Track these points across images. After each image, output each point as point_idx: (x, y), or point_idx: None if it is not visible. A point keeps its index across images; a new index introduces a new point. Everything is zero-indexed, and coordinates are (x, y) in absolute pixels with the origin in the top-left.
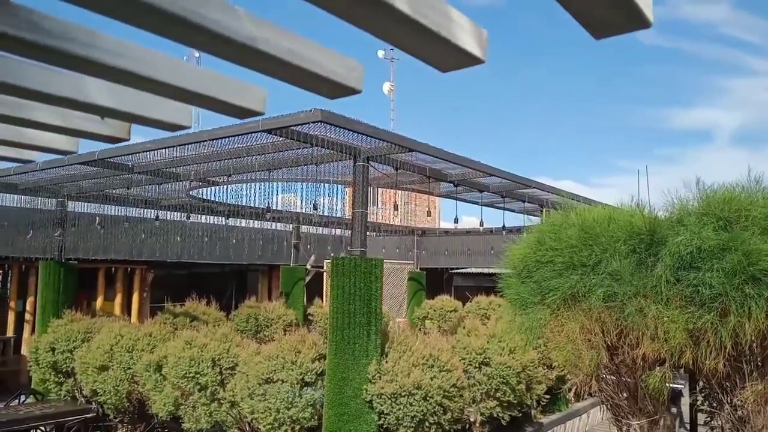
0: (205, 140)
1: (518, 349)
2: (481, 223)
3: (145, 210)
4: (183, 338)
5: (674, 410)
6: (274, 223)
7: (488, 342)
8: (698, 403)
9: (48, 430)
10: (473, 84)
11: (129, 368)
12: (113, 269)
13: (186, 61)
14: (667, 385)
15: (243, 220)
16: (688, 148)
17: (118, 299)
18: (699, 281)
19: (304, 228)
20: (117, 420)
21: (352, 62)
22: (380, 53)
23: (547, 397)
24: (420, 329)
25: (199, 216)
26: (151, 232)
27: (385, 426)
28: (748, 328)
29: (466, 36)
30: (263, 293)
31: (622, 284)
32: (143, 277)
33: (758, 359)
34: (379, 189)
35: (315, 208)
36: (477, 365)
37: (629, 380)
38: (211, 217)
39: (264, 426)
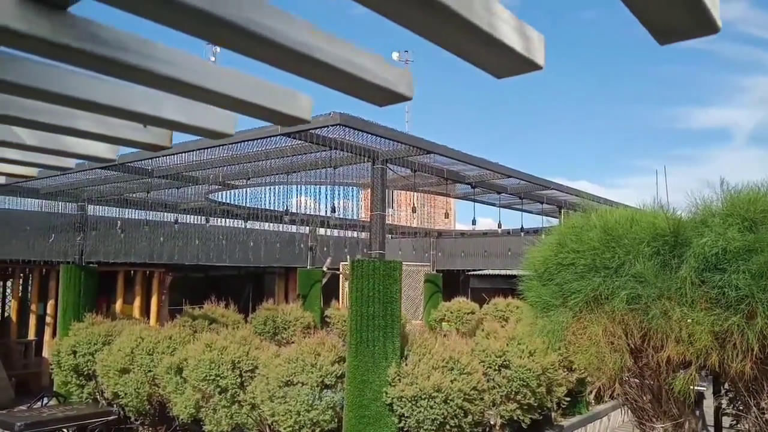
0: (225, 144)
1: (539, 352)
2: (499, 225)
3: (164, 213)
4: (203, 341)
5: (696, 412)
6: (290, 226)
7: (507, 344)
8: (723, 406)
9: None
10: (487, 85)
11: (150, 371)
12: (132, 272)
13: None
14: (692, 388)
15: (260, 223)
16: (705, 148)
17: (137, 302)
18: (725, 283)
19: (320, 230)
20: (138, 422)
21: (401, 69)
22: (395, 55)
23: (568, 399)
24: (438, 331)
25: (217, 219)
26: (170, 235)
27: (405, 429)
28: None
29: (524, 41)
30: (280, 295)
31: (646, 286)
32: (162, 279)
33: None
34: (394, 191)
35: (333, 211)
36: (496, 368)
37: (653, 383)
38: (229, 220)
39: (284, 428)
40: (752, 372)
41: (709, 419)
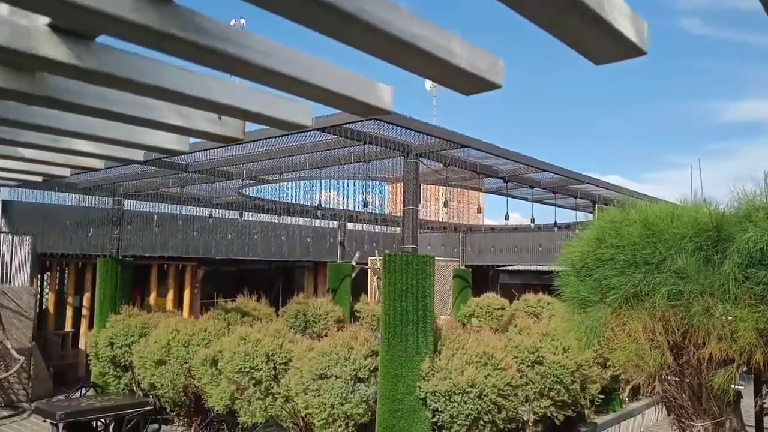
0: (260, 139)
1: (574, 348)
2: (533, 220)
3: (197, 208)
4: (237, 334)
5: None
6: (319, 221)
7: (541, 341)
8: (766, 404)
9: (107, 422)
10: (518, 79)
11: (185, 362)
12: (165, 266)
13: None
14: (732, 386)
15: (290, 218)
16: (738, 141)
17: (170, 295)
18: None
19: (348, 225)
20: (174, 413)
21: (494, 57)
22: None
23: (602, 397)
24: (469, 327)
25: (249, 213)
26: (204, 229)
27: (438, 423)
28: None
29: (628, 24)
30: (309, 289)
31: (688, 282)
32: (194, 273)
33: None
34: (423, 185)
35: (365, 205)
36: (530, 364)
37: (693, 381)
38: (261, 215)
39: (318, 421)
40: None
41: (747, 419)
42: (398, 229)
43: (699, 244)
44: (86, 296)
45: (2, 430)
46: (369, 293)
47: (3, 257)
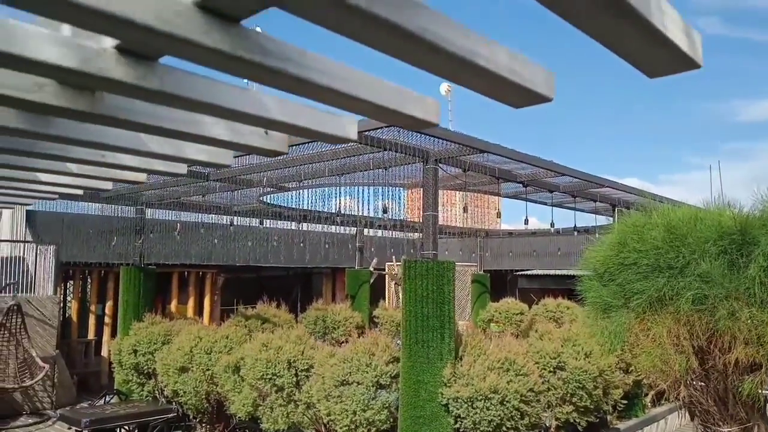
0: (293, 144)
1: (596, 354)
2: (552, 224)
3: (217, 216)
4: (259, 340)
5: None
6: (336, 227)
7: (562, 346)
8: None
9: (131, 429)
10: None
11: (208, 369)
12: (186, 273)
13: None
14: (760, 391)
15: (308, 224)
16: (757, 141)
17: (191, 302)
18: None
19: (366, 231)
20: (196, 420)
21: (546, 70)
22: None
23: (624, 402)
24: (489, 332)
25: (268, 221)
26: (224, 237)
27: (461, 430)
28: None
29: (683, 36)
30: (327, 295)
31: (713, 287)
32: (214, 280)
33: None
34: (441, 190)
35: (384, 212)
36: (551, 369)
37: (719, 386)
38: (281, 222)
39: (341, 428)
40: None
41: None
42: (416, 235)
43: (723, 247)
44: (108, 304)
45: None
46: (387, 299)
47: (27, 266)
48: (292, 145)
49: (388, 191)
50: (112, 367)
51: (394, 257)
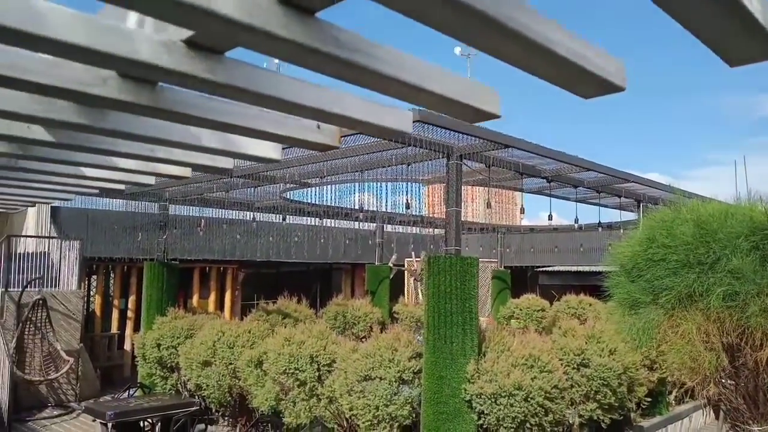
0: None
1: (621, 351)
2: (576, 220)
3: (238, 212)
4: (282, 335)
5: None
6: (355, 223)
7: (586, 343)
8: None
9: (155, 421)
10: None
11: (230, 363)
12: (207, 268)
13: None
14: None
15: (329, 220)
16: None
17: (212, 297)
18: None
19: (386, 227)
20: (219, 413)
21: (617, 61)
22: (457, 50)
23: (648, 399)
24: (510, 329)
25: (290, 217)
26: (246, 232)
27: (484, 426)
28: None
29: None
30: (346, 291)
31: (744, 283)
32: (235, 275)
33: None
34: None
35: (407, 207)
36: (575, 366)
37: (750, 384)
38: (301, 218)
39: (363, 422)
40: None
41: None
42: (435, 231)
43: (755, 243)
44: (131, 299)
45: (53, 429)
46: (406, 295)
47: (52, 261)
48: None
49: (406, 187)
50: (135, 361)
51: (413, 253)
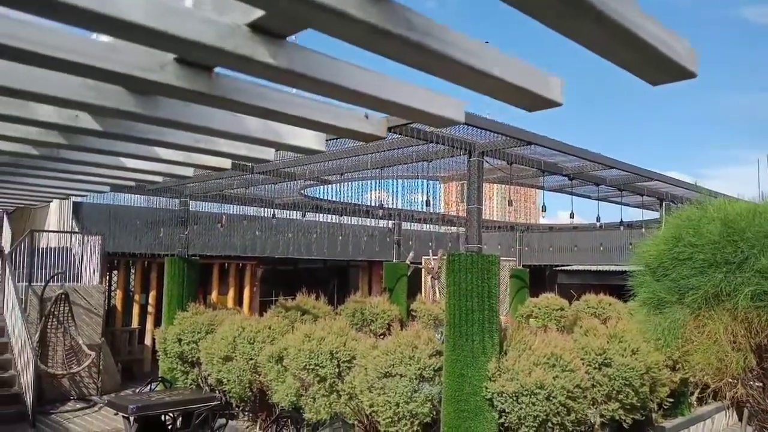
0: (332, 139)
1: (643, 350)
2: (598, 218)
3: (260, 209)
4: (302, 331)
5: None
6: (372, 220)
7: (608, 342)
8: None
9: (176, 415)
10: (578, 73)
11: (251, 359)
12: (226, 264)
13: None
14: None
15: (348, 217)
16: None
17: (231, 293)
18: None
19: (404, 225)
20: (239, 408)
21: (688, 45)
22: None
23: (670, 400)
24: (530, 328)
25: (309, 214)
26: (266, 229)
27: (505, 425)
28: None
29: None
30: (363, 288)
31: None
32: (253, 272)
33: None
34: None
35: (428, 204)
36: (597, 366)
37: None
38: (320, 215)
39: (383, 419)
40: None
41: None
42: (453, 228)
43: None
44: (152, 294)
45: (75, 422)
46: (423, 293)
47: (74, 257)
48: (333, 138)
49: (424, 184)
50: (156, 355)
51: (430, 251)
